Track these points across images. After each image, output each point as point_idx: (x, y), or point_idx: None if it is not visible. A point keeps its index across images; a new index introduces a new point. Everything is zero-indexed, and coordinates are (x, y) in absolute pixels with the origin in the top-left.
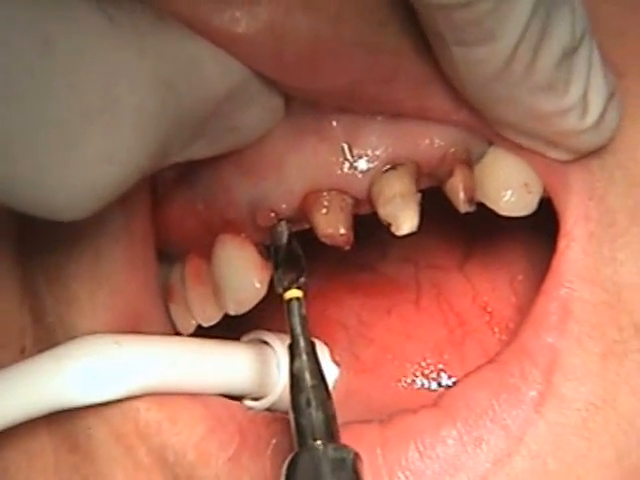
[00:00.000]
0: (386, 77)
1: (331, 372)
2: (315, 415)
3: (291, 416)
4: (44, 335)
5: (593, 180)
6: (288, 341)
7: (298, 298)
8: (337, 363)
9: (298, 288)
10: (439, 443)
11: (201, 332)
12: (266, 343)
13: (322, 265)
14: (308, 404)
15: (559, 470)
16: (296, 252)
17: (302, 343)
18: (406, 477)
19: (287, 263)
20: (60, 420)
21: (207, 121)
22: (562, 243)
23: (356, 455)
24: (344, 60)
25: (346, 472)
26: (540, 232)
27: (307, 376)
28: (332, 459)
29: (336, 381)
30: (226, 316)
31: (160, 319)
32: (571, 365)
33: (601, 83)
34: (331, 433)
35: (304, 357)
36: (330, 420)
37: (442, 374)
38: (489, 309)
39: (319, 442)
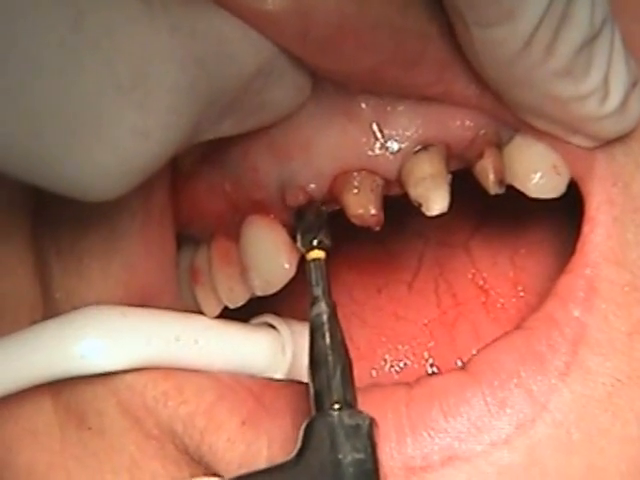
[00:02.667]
0: (410, 61)
1: None
2: (333, 379)
3: (309, 379)
4: (52, 310)
5: (617, 166)
6: (295, 326)
7: (320, 259)
8: None
9: (322, 249)
10: (463, 404)
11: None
12: (273, 327)
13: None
14: (326, 367)
15: (582, 441)
16: (320, 214)
17: (323, 304)
18: (429, 435)
19: (311, 224)
20: (66, 396)
21: (236, 98)
22: (586, 227)
23: (372, 421)
24: (368, 41)
25: (361, 439)
26: (555, 209)
27: (327, 338)
28: (347, 425)
29: None
30: (249, 303)
31: (173, 299)
32: (597, 340)
33: (622, 70)
34: (348, 398)
35: (324, 318)
36: (348, 384)
37: (432, 357)
38: (486, 286)
39: (336, 407)
